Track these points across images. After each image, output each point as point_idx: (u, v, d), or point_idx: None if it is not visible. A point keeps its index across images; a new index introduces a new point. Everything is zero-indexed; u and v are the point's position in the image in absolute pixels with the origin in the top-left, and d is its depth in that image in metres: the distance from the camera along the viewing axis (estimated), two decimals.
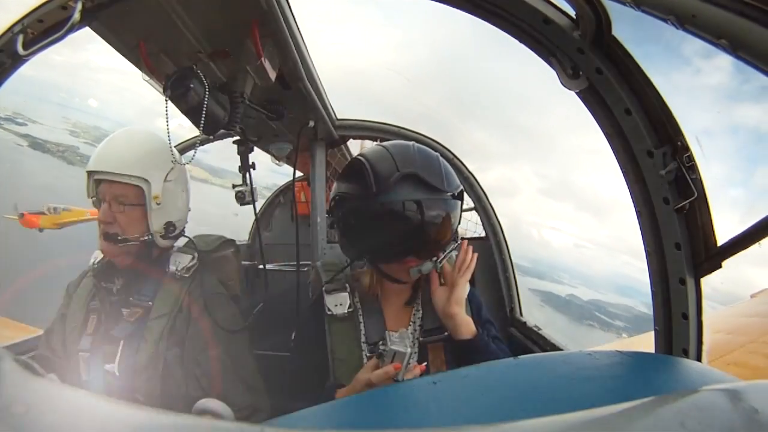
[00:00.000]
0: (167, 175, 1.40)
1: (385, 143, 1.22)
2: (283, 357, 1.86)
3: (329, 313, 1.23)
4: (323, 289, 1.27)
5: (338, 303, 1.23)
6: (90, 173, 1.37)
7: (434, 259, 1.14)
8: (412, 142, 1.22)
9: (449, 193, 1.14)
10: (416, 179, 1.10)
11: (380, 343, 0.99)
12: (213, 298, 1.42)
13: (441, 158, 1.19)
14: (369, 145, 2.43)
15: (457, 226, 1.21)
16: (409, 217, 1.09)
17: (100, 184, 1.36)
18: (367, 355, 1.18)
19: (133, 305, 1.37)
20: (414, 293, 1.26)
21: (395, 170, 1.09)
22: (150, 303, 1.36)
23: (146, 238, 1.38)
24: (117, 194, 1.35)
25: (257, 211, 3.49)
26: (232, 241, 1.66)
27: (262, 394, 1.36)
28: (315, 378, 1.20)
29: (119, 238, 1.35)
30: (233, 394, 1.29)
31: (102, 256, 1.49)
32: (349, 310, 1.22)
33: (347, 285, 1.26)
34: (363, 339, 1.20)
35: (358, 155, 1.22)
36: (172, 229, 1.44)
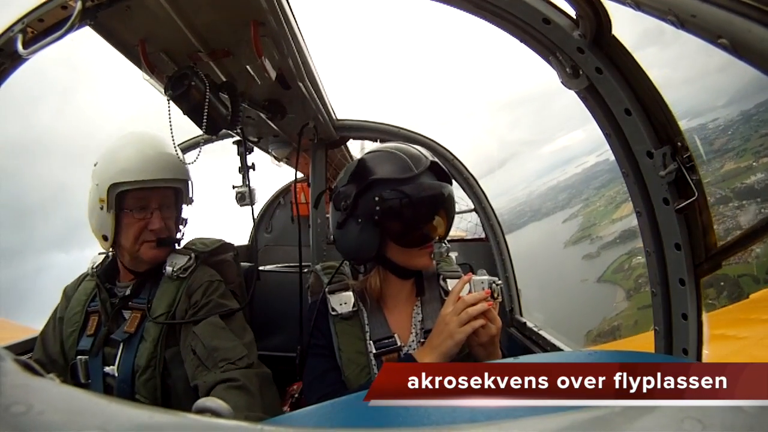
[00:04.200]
0: None
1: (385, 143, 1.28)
2: (284, 357, 1.86)
3: (334, 313, 1.23)
4: (326, 290, 1.27)
5: (343, 302, 1.23)
6: (121, 183, 1.31)
7: (444, 242, 1.23)
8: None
9: (451, 180, 1.27)
10: (438, 167, 1.21)
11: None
12: (210, 284, 1.42)
13: None
14: (369, 145, 2.44)
15: None
16: (446, 196, 1.18)
17: (131, 192, 1.33)
18: (374, 352, 1.18)
19: (132, 308, 1.38)
20: (419, 285, 1.28)
21: (423, 157, 1.18)
22: (148, 304, 1.36)
23: (181, 235, 1.46)
24: (163, 199, 1.38)
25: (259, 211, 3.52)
26: (231, 244, 1.66)
27: (257, 359, 1.31)
28: (332, 377, 1.20)
29: (176, 239, 1.42)
30: (226, 348, 1.24)
31: (101, 259, 1.49)
32: (353, 309, 1.23)
33: (349, 284, 1.27)
34: (368, 337, 1.21)
35: (371, 151, 1.26)
36: (185, 224, 1.50)
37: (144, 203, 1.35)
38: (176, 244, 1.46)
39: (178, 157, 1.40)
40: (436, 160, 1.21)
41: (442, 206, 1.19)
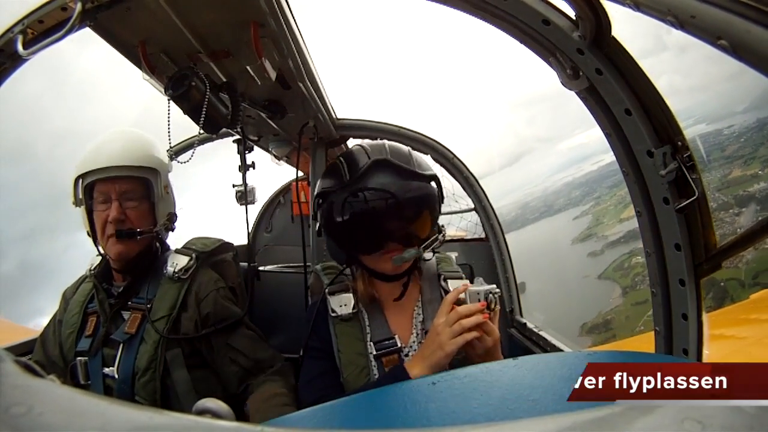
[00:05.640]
0: (167, 165, 1.48)
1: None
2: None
3: (334, 314, 1.23)
4: (326, 291, 1.27)
5: (343, 304, 1.23)
6: (85, 175, 1.32)
7: (418, 246, 1.15)
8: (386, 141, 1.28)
9: (422, 175, 1.17)
10: (387, 164, 1.15)
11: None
12: (217, 292, 1.43)
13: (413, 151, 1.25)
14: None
15: (437, 215, 1.23)
16: (384, 200, 1.11)
17: (95, 185, 1.33)
18: (374, 354, 1.18)
19: (132, 308, 1.37)
20: (403, 289, 1.24)
21: (367, 158, 1.15)
22: (149, 305, 1.36)
23: (157, 230, 1.41)
24: (125, 190, 1.35)
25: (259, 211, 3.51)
26: (230, 243, 1.66)
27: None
28: (325, 381, 1.20)
29: (137, 231, 1.35)
30: (266, 358, 1.40)
31: (99, 261, 1.49)
32: (353, 311, 1.22)
33: (350, 285, 1.26)
34: (368, 339, 1.20)
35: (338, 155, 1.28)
36: (174, 220, 1.48)
37: (105, 195, 1.33)
38: (136, 236, 1.36)
39: (148, 147, 1.39)
40: (386, 157, 1.14)
41: (381, 210, 1.11)
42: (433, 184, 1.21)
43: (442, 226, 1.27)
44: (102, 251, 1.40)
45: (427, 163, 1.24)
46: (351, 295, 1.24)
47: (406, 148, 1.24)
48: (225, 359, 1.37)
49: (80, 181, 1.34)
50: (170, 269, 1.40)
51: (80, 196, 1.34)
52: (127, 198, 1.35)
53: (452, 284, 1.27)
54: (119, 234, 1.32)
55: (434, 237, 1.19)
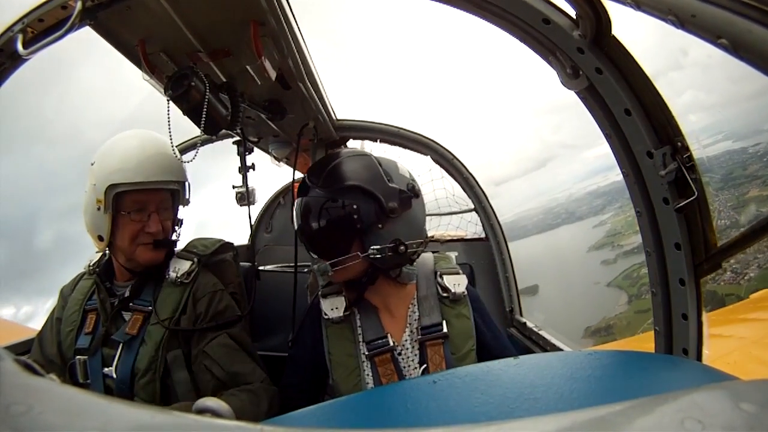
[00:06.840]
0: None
1: None
2: (283, 358, 1.87)
3: (326, 317, 1.23)
4: (319, 293, 1.28)
5: (334, 307, 1.24)
6: (119, 184, 1.30)
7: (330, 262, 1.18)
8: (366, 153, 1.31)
9: (337, 191, 1.16)
10: (303, 181, 1.25)
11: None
12: (214, 294, 1.43)
13: (359, 163, 1.21)
14: (368, 145, 2.44)
15: (354, 233, 1.16)
16: (299, 215, 1.23)
17: (128, 194, 1.31)
18: (366, 354, 1.18)
19: (133, 309, 1.37)
20: (357, 294, 1.26)
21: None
22: (150, 308, 1.36)
23: (177, 236, 1.47)
24: (161, 200, 1.38)
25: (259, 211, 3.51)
26: (231, 243, 1.66)
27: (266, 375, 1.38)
28: (288, 393, 1.26)
29: (172, 240, 1.42)
30: (245, 373, 1.31)
31: (98, 257, 1.49)
32: (346, 313, 1.23)
33: (342, 288, 1.27)
34: (360, 339, 1.21)
35: None
36: (181, 224, 1.50)
37: (142, 205, 1.34)
38: (173, 246, 1.46)
39: (177, 158, 1.38)
40: (306, 174, 1.24)
41: (298, 224, 1.24)
42: (353, 201, 1.14)
43: (400, 243, 1.15)
44: (117, 256, 1.40)
45: (364, 177, 1.16)
46: (343, 297, 1.25)
47: (346, 160, 1.21)
48: (200, 366, 1.32)
49: (111, 188, 1.30)
50: (173, 274, 1.41)
51: (110, 204, 1.30)
52: (162, 209, 1.38)
53: (448, 280, 1.28)
54: (157, 244, 1.36)
55: (351, 255, 1.16)
